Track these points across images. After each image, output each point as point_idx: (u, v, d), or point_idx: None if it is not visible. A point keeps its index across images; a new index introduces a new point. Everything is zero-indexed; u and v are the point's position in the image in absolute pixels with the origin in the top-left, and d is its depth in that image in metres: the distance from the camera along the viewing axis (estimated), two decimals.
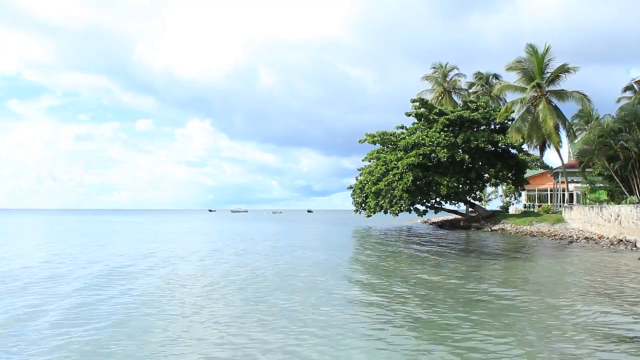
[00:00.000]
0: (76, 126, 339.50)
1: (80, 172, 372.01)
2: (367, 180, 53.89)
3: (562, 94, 45.78)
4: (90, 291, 15.11)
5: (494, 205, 69.61)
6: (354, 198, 57.95)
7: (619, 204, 34.37)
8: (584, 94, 44.86)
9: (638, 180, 34.30)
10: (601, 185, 41.86)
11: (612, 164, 35.77)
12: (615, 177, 36.19)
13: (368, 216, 55.46)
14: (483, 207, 62.59)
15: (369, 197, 52.91)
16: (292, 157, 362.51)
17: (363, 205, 55.78)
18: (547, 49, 45.84)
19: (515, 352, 8.88)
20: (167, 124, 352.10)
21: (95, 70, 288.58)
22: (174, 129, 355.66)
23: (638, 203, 31.50)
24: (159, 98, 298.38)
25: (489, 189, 68.94)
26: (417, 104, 53.68)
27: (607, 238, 30.95)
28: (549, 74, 45.97)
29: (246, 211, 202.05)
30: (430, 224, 63.77)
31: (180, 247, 31.76)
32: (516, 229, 44.08)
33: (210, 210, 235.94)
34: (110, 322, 11.20)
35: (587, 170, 41.12)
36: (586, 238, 32.96)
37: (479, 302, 13.26)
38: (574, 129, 47.34)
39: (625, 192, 35.52)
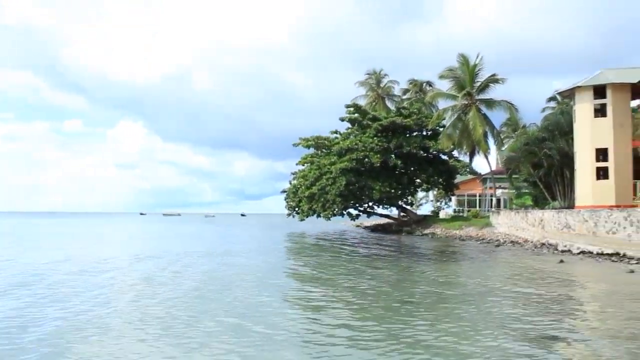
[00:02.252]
0: (1, 125, 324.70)
1: (8, 173, 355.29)
2: (300, 184, 53.84)
3: (491, 103, 47.16)
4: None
5: (425, 209, 70.87)
6: (287, 202, 57.76)
7: (542, 209, 35.69)
8: (511, 103, 46.42)
9: (560, 187, 35.75)
10: (526, 191, 43.45)
11: (536, 171, 37.17)
12: (540, 184, 37.61)
13: (301, 220, 55.45)
14: (414, 211, 63.64)
15: (302, 201, 52.86)
16: (226, 160, 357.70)
17: (296, 209, 55.69)
18: (480, 59, 47.12)
19: (444, 351, 8.97)
20: (99, 125, 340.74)
21: (22, 68, 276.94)
22: (106, 130, 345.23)
23: (560, 208, 32.81)
24: (90, 98, 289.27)
25: (421, 194, 70.14)
26: (352, 109, 54.19)
27: (532, 242, 32.02)
28: (479, 83, 47.21)
29: (179, 214, 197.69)
30: (363, 228, 64.43)
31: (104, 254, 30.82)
32: (446, 232, 45.01)
33: (141, 214, 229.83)
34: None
35: (513, 176, 42.56)
36: (512, 242, 33.98)
37: (410, 303, 13.40)
38: (502, 137, 48.96)
39: (549, 198, 36.94)
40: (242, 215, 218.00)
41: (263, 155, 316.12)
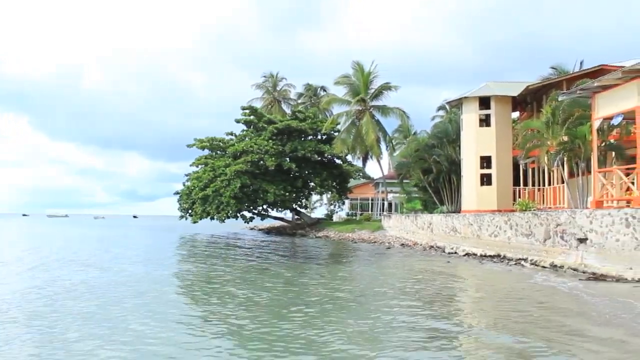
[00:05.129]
0: None
1: None
2: (194, 186, 52.90)
3: (384, 110, 48.60)
4: None
5: (319, 212, 71.71)
6: (180, 204, 56.56)
7: (431, 213, 37.08)
8: (403, 111, 48.03)
9: (448, 192, 37.35)
10: (416, 195, 45.01)
11: (426, 176, 38.58)
12: (429, 188, 39.07)
13: (195, 222, 54.40)
14: (308, 214, 64.27)
15: (196, 203, 51.97)
16: (117, 160, 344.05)
17: (190, 211, 54.69)
18: (374, 67, 48.52)
19: (338, 352, 9.02)
20: None
21: None
22: None
23: (447, 213, 34.25)
24: None
25: (315, 197, 71.01)
26: (247, 111, 54.01)
27: (421, 244, 33.17)
28: (373, 90, 48.56)
29: (66, 216, 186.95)
30: (258, 231, 64.19)
31: None
32: (339, 235, 45.63)
33: (24, 215, 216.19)
34: None
35: (404, 181, 43.98)
36: (402, 244, 35.01)
37: (301, 304, 13.43)
38: (394, 143, 50.46)
39: (437, 203, 38.44)
40: (134, 217, 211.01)
41: (157, 155, 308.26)
